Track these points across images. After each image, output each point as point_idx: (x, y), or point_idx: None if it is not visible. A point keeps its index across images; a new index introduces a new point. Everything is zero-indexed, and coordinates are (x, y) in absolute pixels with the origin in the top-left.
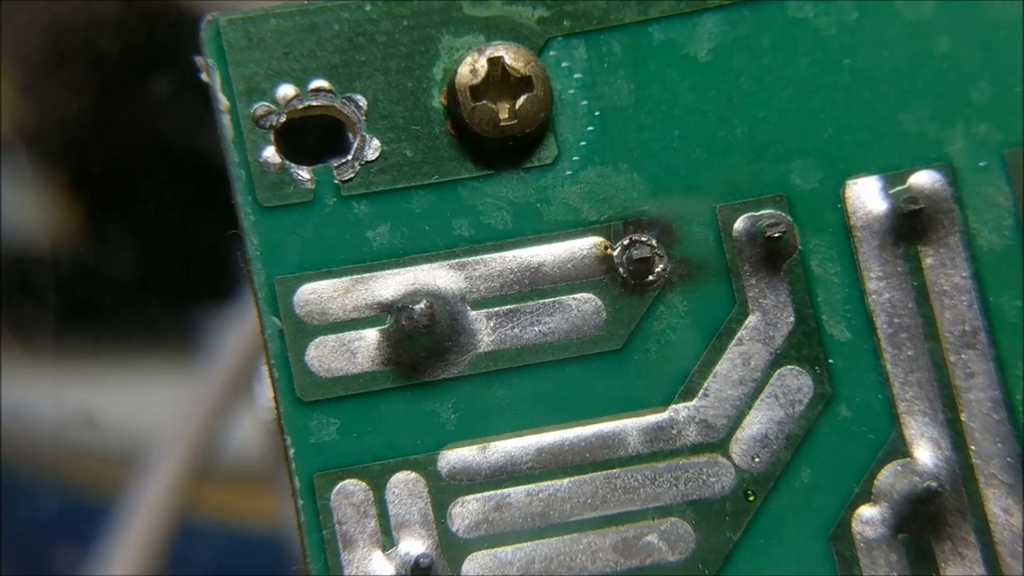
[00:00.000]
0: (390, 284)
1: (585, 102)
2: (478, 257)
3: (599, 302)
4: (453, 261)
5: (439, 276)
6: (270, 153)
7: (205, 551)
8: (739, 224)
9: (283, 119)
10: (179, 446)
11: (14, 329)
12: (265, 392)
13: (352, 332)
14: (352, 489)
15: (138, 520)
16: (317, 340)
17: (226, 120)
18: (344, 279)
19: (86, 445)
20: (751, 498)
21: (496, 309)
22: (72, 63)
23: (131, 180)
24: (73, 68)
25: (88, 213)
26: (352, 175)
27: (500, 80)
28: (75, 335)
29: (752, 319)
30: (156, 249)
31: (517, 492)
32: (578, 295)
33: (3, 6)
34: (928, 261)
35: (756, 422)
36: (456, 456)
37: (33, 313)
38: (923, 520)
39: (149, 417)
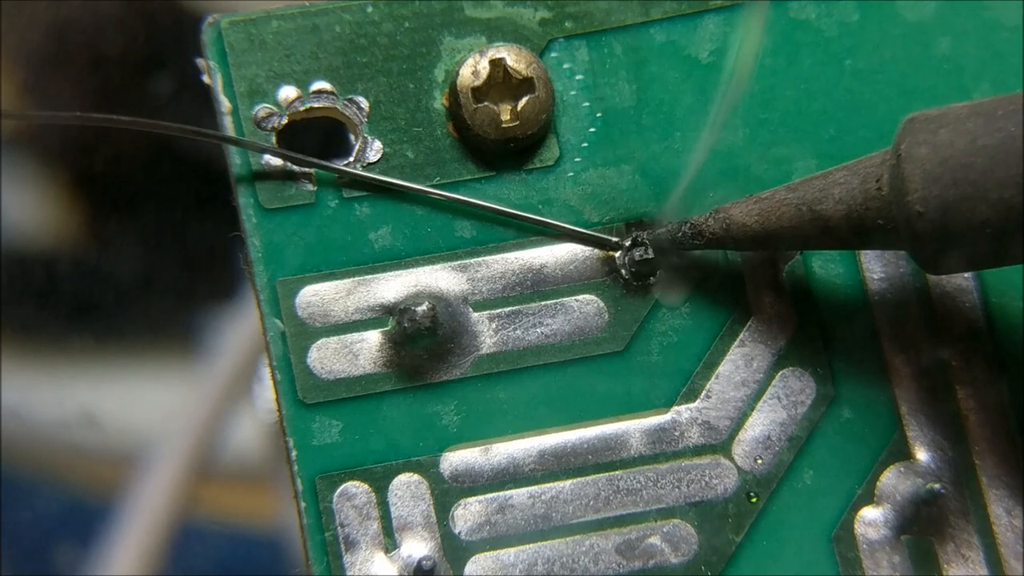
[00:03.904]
0: (392, 286)
1: (587, 103)
2: (480, 259)
3: (601, 304)
4: (455, 263)
5: (441, 278)
6: (271, 155)
7: (206, 551)
8: None
9: (285, 121)
10: (180, 446)
11: (14, 329)
12: (266, 392)
13: (354, 334)
14: (354, 491)
15: (139, 520)
16: (319, 342)
17: (228, 122)
18: (346, 281)
19: (87, 445)
20: (754, 500)
21: (498, 311)
22: (73, 63)
23: (132, 180)
24: (74, 68)
25: (89, 213)
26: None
27: (502, 82)
28: (76, 335)
29: (754, 320)
30: (157, 249)
31: (519, 494)
32: (580, 297)
33: (3, 6)
34: None
35: (758, 423)
36: (458, 458)
37: (34, 313)
38: (926, 521)
39: (151, 417)
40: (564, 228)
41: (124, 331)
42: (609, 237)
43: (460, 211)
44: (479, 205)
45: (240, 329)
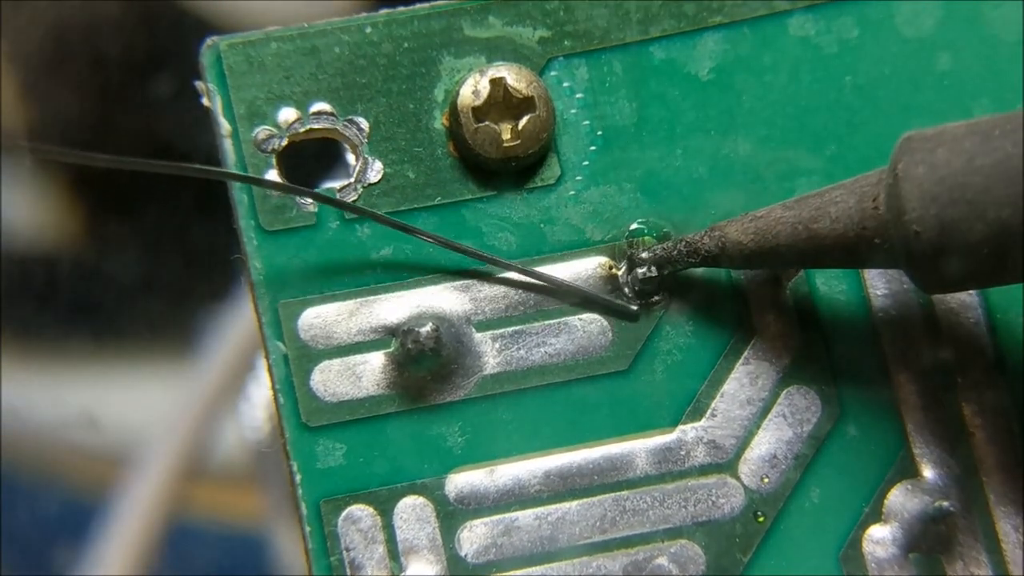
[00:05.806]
0: (395, 307)
1: (587, 122)
2: (482, 278)
3: (605, 322)
4: (458, 283)
5: (444, 298)
6: (272, 177)
7: (198, 550)
8: None
9: (285, 142)
10: (172, 444)
11: (14, 329)
12: (253, 411)
13: (357, 356)
14: (359, 515)
15: (132, 519)
16: (322, 364)
17: (228, 144)
18: (348, 302)
19: (86, 445)
20: (761, 519)
21: (501, 331)
22: (73, 64)
23: (132, 181)
24: (74, 69)
25: (89, 213)
26: (355, 198)
27: (502, 101)
28: (76, 335)
29: (758, 338)
30: (157, 249)
31: (525, 515)
32: (583, 316)
33: (3, 6)
34: None
35: (765, 442)
36: (463, 480)
37: (34, 313)
38: (934, 539)
39: (150, 417)
40: (573, 288)
41: (123, 331)
42: (620, 303)
43: (462, 231)
44: (474, 253)
45: (233, 330)
